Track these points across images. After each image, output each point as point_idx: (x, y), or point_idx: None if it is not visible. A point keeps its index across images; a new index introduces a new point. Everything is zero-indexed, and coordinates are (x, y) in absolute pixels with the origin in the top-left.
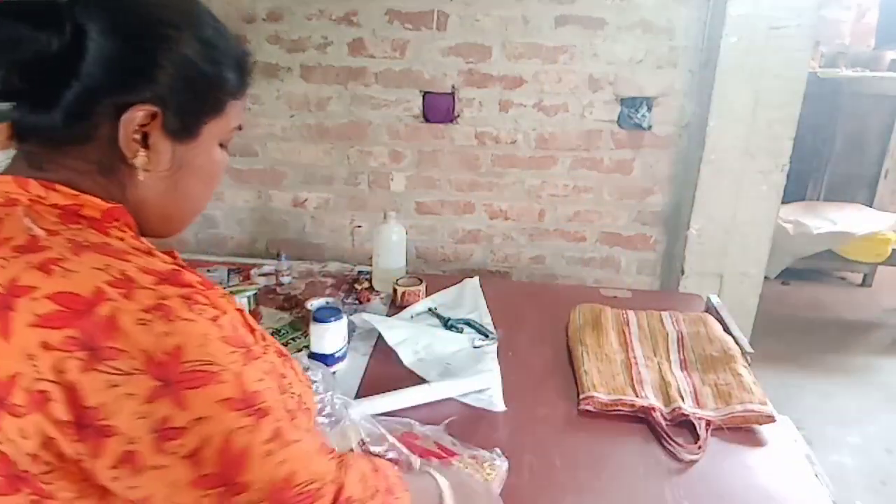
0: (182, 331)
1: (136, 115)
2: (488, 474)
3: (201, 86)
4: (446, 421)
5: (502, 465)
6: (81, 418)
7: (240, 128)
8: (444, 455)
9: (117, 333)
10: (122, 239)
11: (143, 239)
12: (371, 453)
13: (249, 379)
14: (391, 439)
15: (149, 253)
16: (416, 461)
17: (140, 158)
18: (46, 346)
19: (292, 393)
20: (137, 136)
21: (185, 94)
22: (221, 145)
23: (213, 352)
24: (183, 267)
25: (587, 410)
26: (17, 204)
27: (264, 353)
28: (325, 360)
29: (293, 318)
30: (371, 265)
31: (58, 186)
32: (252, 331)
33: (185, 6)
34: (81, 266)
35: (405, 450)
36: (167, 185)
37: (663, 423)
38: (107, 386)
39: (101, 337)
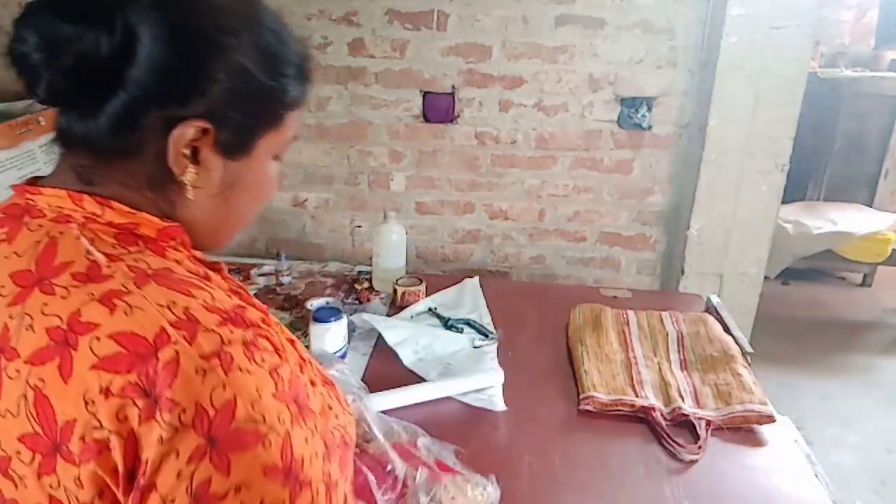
0: (237, 384)
1: (187, 131)
2: (475, 499)
3: (258, 99)
4: (456, 448)
5: (494, 492)
6: (133, 471)
7: (295, 137)
8: (436, 470)
9: (175, 381)
10: (179, 262)
11: (197, 254)
12: (367, 452)
13: (295, 441)
14: (381, 439)
15: (206, 278)
16: (402, 469)
17: (189, 175)
18: (107, 393)
19: (338, 425)
20: (187, 152)
21: (241, 108)
22: (275, 157)
23: (263, 410)
24: (241, 294)
25: (587, 410)
26: (71, 220)
27: (313, 384)
28: None
29: (293, 318)
30: (371, 265)
31: (113, 204)
32: (303, 362)
33: (245, 10)
34: (145, 302)
35: (396, 458)
36: (217, 202)
37: (663, 423)
38: (157, 440)
39: (161, 385)
